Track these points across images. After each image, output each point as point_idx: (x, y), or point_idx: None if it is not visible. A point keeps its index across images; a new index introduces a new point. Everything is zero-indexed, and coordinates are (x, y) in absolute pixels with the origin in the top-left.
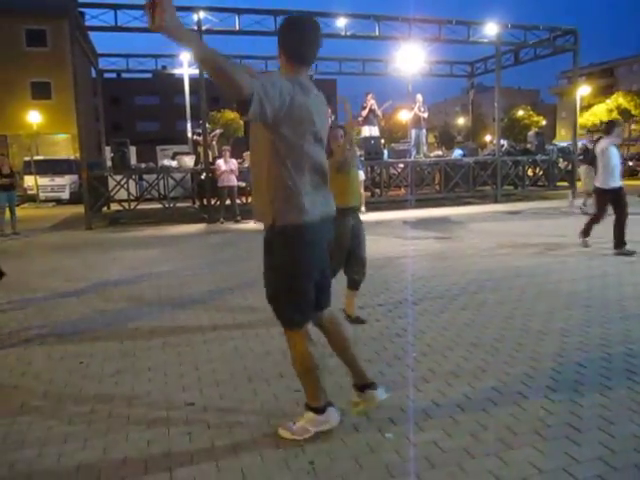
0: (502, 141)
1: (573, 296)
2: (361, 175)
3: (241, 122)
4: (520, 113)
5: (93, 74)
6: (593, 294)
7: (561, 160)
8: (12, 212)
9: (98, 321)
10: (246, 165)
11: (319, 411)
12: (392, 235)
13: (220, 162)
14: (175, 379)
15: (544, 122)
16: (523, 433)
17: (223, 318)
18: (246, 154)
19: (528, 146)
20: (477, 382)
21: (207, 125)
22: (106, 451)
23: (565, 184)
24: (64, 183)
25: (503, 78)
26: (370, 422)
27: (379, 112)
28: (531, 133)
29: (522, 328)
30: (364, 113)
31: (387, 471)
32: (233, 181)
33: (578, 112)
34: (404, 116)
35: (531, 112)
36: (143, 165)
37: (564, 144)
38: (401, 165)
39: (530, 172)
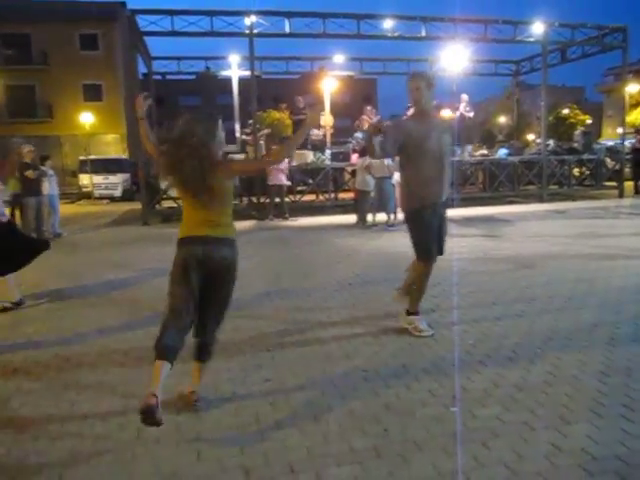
0: (548, 140)
1: (623, 291)
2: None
3: (288, 122)
4: (565, 111)
5: (140, 75)
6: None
7: (608, 159)
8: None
9: None
10: (294, 164)
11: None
12: None
13: None
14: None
15: (589, 121)
16: (579, 410)
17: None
18: (296, 153)
19: (575, 145)
20: (532, 366)
21: (256, 125)
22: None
23: (613, 184)
24: (117, 181)
25: (548, 76)
26: (435, 398)
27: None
28: (578, 132)
29: (574, 320)
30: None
31: (455, 439)
32: (282, 180)
33: (627, 110)
34: (448, 115)
35: (577, 110)
36: None
37: (611, 143)
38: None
39: (576, 171)
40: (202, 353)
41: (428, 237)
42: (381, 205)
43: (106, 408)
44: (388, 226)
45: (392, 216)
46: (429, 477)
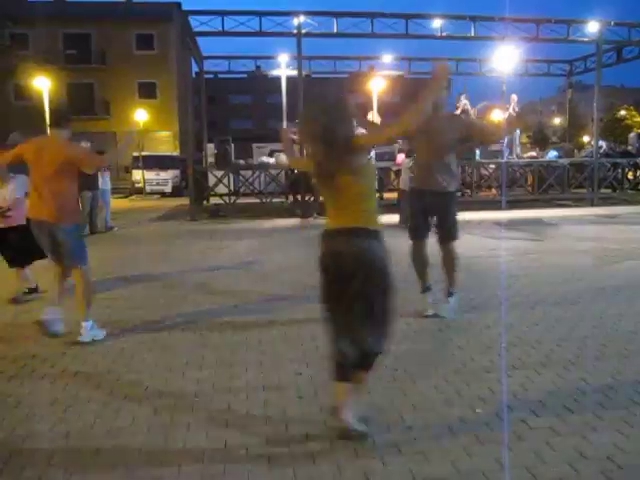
0: (600, 142)
1: None
2: None
3: None
4: (622, 113)
5: (193, 74)
6: None
7: None
8: (92, 211)
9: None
10: None
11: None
12: (484, 235)
13: None
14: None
15: None
16: (609, 419)
17: None
18: None
19: (629, 148)
20: (566, 373)
21: None
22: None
23: None
24: (167, 177)
25: (604, 76)
26: (462, 399)
27: (472, 113)
28: (632, 135)
29: (612, 327)
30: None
31: (477, 440)
32: None
33: None
34: (498, 116)
35: (634, 112)
36: (242, 161)
37: None
38: (492, 166)
39: (630, 175)
40: None
41: (412, 218)
42: None
43: None
44: None
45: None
46: (448, 475)
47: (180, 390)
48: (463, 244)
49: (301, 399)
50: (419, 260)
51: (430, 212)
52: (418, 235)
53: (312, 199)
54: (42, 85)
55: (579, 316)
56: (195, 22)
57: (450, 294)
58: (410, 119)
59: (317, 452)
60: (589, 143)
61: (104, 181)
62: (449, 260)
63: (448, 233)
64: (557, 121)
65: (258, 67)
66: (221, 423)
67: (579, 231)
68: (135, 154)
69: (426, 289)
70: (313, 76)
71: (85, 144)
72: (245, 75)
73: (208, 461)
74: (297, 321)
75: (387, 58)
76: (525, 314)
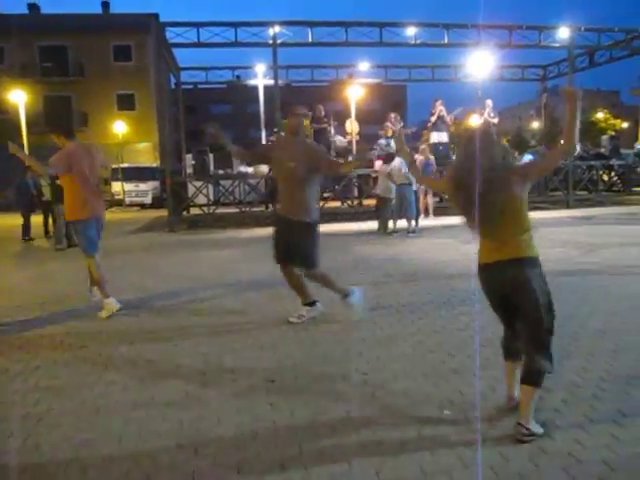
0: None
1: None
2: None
3: (311, 130)
4: (599, 116)
5: (171, 85)
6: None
7: None
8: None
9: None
10: None
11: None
12: (459, 239)
13: None
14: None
15: (625, 124)
16: (571, 415)
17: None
18: None
19: (602, 150)
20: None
21: (281, 133)
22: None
23: None
24: (147, 189)
25: (582, 79)
26: (431, 402)
27: (448, 118)
28: (605, 137)
29: (582, 325)
30: (433, 119)
31: (445, 441)
32: None
33: None
34: (474, 121)
35: (608, 115)
36: (220, 171)
37: None
38: None
39: (605, 177)
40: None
41: (273, 243)
42: (402, 212)
43: None
44: (409, 233)
45: (413, 223)
46: (414, 476)
47: (152, 398)
48: (435, 248)
49: (272, 405)
50: (291, 283)
51: (287, 238)
52: (280, 259)
53: None
54: (18, 99)
55: (562, 318)
56: (171, 34)
57: (345, 296)
58: (568, 148)
59: (285, 457)
60: None
61: None
62: (321, 281)
63: (303, 263)
64: (535, 125)
65: (237, 77)
66: (191, 432)
67: (553, 233)
68: (114, 166)
69: (311, 303)
70: (294, 85)
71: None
72: (225, 85)
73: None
74: (273, 328)
75: (364, 66)
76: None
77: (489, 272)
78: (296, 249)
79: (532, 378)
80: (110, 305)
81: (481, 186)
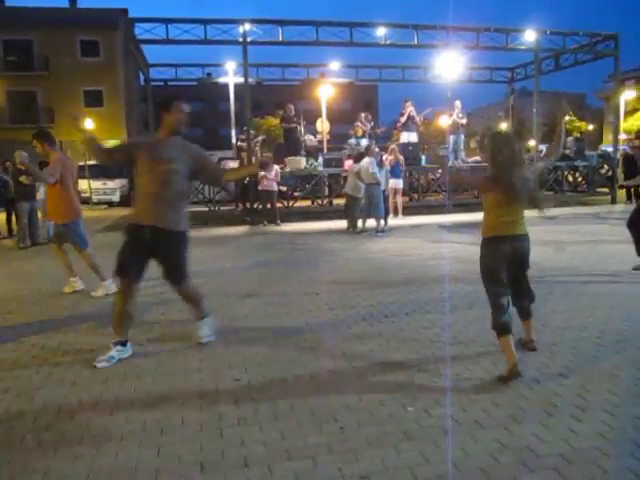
0: (541, 146)
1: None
2: (398, 182)
3: (281, 129)
4: (566, 118)
5: (141, 82)
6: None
7: (605, 166)
8: (31, 222)
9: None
10: (288, 170)
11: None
12: (427, 239)
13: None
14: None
15: (590, 127)
16: (529, 410)
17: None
18: (287, 159)
19: (567, 152)
20: (494, 369)
21: (251, 131)
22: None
23: (606, 190)
24: (115, 187)
25: (548, 82)
26: (395, 400)
27: (418, 119)
28: (570, 139)
29: (543, 324)
30: (402, 119)
31: (406, 436)
32: (272, 186)
33: (622, 117)
34: (444, 122)
35: (573, 117)
36: None
37: (610, 148)
38: (440, 170)
39: (570, 178)
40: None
41: (121, 254)
42: (370, 211)
43: None
44: (377, 232)
45: (382, 222)
46: (376, 472)
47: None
48: (401, 247)
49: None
50: (121, 313)
51: (151, 252)
52: (125, 273)
53: (260, 207)
54: None
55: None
56: (139, 30)
57: (202, 318)
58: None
59: (248, 454)
60: (535, 148)
61: (44, 191)
62: (190, 298)
63: (176, 275)
64: (504, 126)
65: (208, 74)
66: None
67: None
68: (81, 163)
69: (119, 343)
70: (266, 83)
71: (21, 153)
72: (195, 83)
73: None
74: (239, 329)
75: (335, 65)
76: (463, 314)
77: (509, 242)
78: (166, 262)
79: (531, 311)
80: (105, 287)
81: (521, 176)
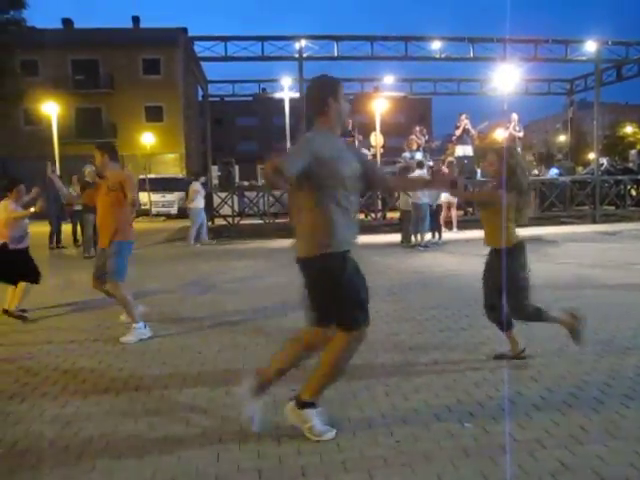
0: (602, 160)
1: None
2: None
3: None
4: (627, 130)
5: (199, 97)
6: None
7: None
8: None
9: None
10: None
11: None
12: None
13: None
14: None
15: None
16: (594, 432)
17: None
18: None
19: (630, 165)
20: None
21: None
22: None
23: None
24: (173, 199)
25: (609, 93)
26: (451, 413)
27: (473, 132)
28: (633, 151)
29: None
30: (458, 133)
31: (464, 452)
32: None
33: None
34: (500, 135)
35: (637, 129)
36: (246, 183)
37: None
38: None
39: (633, 192)
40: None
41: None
42: (415, 225)
43: None
44: (420, 246)
45: (427, 237)
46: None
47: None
48: (448, 262)
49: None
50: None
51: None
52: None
53: None
54: (51, 110)
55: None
56: (199, 47)
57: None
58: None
59: (305, 464)
60: (594, 160)
61: None
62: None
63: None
64: (562, 139)
65: (263, 90)
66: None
67: (576, 249)
68: (142, 176)
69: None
70: None
71: (89, 167)
72: (251, 98)
73: None
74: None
75: (389, 79)
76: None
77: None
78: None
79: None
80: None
81: (529, 190)
